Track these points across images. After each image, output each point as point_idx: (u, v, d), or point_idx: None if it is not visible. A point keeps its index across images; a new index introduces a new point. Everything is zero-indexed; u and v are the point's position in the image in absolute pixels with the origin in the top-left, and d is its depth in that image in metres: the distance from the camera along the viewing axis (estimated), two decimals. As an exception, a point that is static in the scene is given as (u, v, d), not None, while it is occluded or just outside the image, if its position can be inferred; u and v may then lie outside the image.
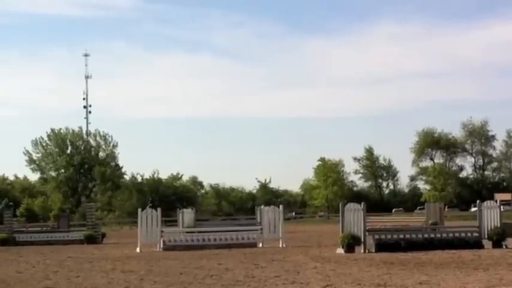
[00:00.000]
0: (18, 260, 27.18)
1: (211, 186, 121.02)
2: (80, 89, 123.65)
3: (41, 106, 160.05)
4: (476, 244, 28.07)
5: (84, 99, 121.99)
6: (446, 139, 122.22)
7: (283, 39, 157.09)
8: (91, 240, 41.40)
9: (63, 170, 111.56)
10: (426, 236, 28.71)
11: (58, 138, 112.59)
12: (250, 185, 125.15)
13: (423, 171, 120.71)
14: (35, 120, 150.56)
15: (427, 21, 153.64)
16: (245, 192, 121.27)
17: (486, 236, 28.59)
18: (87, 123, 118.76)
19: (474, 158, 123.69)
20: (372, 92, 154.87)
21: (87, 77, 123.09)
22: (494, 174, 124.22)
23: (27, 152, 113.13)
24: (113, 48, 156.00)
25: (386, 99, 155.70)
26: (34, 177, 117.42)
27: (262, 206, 38.96)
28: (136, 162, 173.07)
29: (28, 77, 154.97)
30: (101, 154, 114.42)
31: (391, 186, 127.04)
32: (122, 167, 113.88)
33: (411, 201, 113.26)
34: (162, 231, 32.94)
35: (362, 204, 28.69)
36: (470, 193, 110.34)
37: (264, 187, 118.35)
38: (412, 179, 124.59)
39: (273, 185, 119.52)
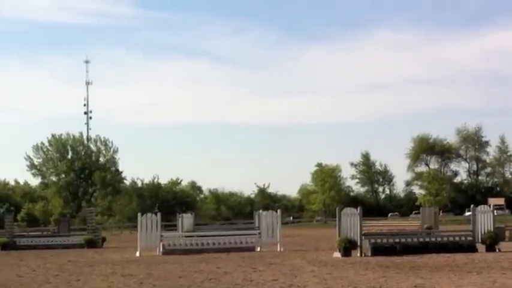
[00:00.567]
0: (19, 264, 27.17)
1: (210, 191, 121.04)
2: (80, 95, 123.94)
3: (42, 112, 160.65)
4: (470, 248, 28.07)
5: (84, 105, 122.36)
6: (441, 145, 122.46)
7: (282, 47, 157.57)
8: (91, 244, 41.38)
9: (63, 175, 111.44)
10: (421, 240, 28.69)
11: (59, 143, 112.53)
12: (248, 190, 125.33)
13: (418, 176, 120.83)
14: (36, 125, 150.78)
15: (423, 30, 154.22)
16: (244, 197, 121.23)
17: (480, 240, 28.59)
18: (88, 128, 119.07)
19: (468, 163, 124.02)
20: (368, 98, 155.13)
21: (87, 83, 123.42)
22: (487, 179, 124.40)
23: (29, 157, 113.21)
24: (113, 55, 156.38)
25: (382, 106, 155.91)
26: (35, 182, 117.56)
27: (260, 211, 38.96)
28: (136, 168, 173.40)
29: (29, 83, 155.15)
30: (102, 159, 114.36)
31: (387, 191, 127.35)
32: (122, 172, 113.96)
33: (407, 205, 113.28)
34: (161, 236, 32.93)
35: (358, 208, 28.70)
36: (465, 198, 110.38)
37: (262, 192, 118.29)
38: (408, 184, 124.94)
39: (271, 190, 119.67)
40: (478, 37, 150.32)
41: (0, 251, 39.36)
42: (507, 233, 39.18)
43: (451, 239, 28.87)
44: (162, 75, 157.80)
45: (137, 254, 31.86)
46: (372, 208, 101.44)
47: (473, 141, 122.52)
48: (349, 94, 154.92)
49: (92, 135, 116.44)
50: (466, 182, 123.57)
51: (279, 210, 36.25)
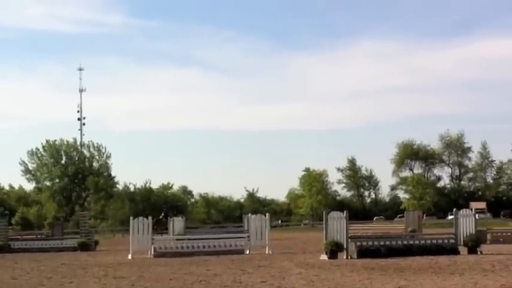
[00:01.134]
0: (14, 267, 27.04)
1: (200, 195, 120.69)
2: (74, 102, 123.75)
3: (36, 118, 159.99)
4: (453, 250, 28.16)
5: (78, 111, 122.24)
6: (424, 151, 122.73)
7: (272, 55, 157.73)
8: (84, 247, 41.18)
9: (57, 180, 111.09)
10: (405, 242, 28.77)
11: (53, 149, 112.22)
12: (238, 194, 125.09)
13: (403, 181, 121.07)
14: (31, 131, 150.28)
15: (405, 39, 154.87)
16: (233, 201, 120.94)
17: (462, 243, 28.70)
18: (81, 134, 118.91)
19: (451, 168, 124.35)
20: (354, 106, 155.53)
21: (81, 91, 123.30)
22: (469, 184, 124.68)
23: (23, 162, 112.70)
24: (106, 63, 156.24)
25: (368, 113, 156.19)
26: (29, 186, 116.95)
27: (249, 215, 38.89)
28: (128, 173, 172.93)
29: (25, 91, 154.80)
30: (95, 164, 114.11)
31: (373, 196, 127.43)
32: (114, 177, 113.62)
33: (391, 209, 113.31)
34: (153, 239, 32.90)
35: (345, 212, 28.75)
36: (447, 202, 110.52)
37: (251, 196, 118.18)
38: (393, 188, 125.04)
39: (260, 194, 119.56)
40: (459, 46, 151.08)
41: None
42: (488, 236, 39.24)
43: (434, 241, 28.96)
44: (153, 83, 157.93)
45: (129, 256, 31.79)
46: (358, 212, 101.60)
47: (456, 147, 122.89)
48: (336, 101, 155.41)
49: (85, 141, 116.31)
50: (448, 186, 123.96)
51: (267, 214, 36.20)
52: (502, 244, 36.70)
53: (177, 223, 45.22)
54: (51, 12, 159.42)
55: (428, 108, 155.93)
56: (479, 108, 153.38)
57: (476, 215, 31.51)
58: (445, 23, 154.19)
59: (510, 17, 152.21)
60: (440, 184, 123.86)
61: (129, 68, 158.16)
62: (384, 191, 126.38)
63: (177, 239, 35.31)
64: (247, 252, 33.05)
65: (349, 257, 27.27)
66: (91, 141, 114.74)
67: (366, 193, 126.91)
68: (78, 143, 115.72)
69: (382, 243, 28.24)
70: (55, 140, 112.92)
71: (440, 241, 28.97)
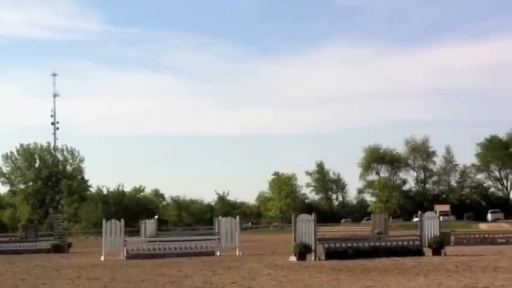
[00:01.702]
0: (-12, 269, 26.73)
1: (172, 198, 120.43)
2: (48, 107, 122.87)
3: (11, 122, 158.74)
4: (418, 252, 28.29)
5: (52, 116, 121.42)
6: (390, 155, 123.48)
7: (242, 60, 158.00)
8: (58, 249, 40.88)
9: (31, 183, 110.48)
10: (372, 244, 28.86)
11: (27, 153, 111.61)
12: (209, 197, 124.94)
13: (370, 184, 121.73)
14: (6, 136, 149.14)
15: (375, 45, 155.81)
16: (204, 204, 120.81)
17: (427, 244, 28.85)
18: (55, 138, 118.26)
19: (416, 172, 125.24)
20: (323, 110, 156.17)
21: (55, 95, 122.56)
22: (434, 187, 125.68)
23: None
24: (80, 68, 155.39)
25: (336, 118, 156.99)
26: (3, 189, 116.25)
27: (220, 217, 38.86)
28: (102, 176, 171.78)
29: (0, 96, 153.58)
30: (68, 168, 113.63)
31: (340, 199, 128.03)
32: (88, 181, 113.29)
33: (359, 212, 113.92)
34: (125, 241, 32.71)
35: (313, 215, 28.78)
36: (413, 204, 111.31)
37: (222, 199, 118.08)
38: (360, 191, 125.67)
39: (230, 197, 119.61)
40: (425, 53, 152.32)
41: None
42: (452, 238, 39.67)
43: (399, 243, 29.08)
44: (127, 88, 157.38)
45: (102, 258, 31.57)
46: (326, 214, 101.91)
47: (421, 151, 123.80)
48: (306, 106, 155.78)
49: (59, 145, 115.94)
50: (414, 189, 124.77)
51: (237, 217, 36.20)
52: (465, 246, 37.15)
53: (149, 225, 45.05)
54: (28, 18, 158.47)
55: (395, 114, 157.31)
56: (443, 113, 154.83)
57: (441, 218, 31.69)
58: (413, 30, 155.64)
59: (474, 26, 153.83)
60: (406, 187, 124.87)
61: (103, 73, 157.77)
62: (351, 194, 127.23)
63: (149, 241, 35.15)
64: (218, 254, 32.98)
65: (317, 259, 27.31)
66: (64, 145, 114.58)
67: (334, 196, 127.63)
68: (52, 147, 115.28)
69: (349, 245, 28.29)
70: (29, 144, 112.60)
71: (405, 243, 29.11)
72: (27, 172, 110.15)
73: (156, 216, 50.30)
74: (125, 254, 31.95)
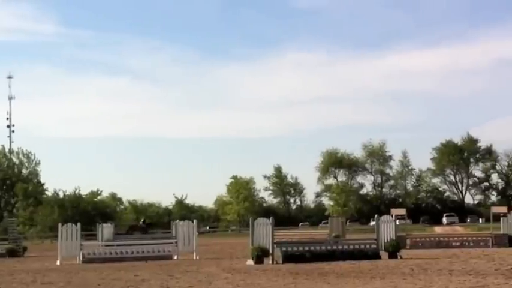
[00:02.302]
0: None
1: (129, 202, 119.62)
2: (3, 109, 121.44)
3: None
4: (374, 255, 28.51)
5: (7, 119, 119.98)
6: (348, 159, 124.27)
7: (198, 64, 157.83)
8: (13, 253, 40.32)
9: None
10: (329, 248, 29.00)
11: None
12: (167, 201, 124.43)
13: (327, 188, 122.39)
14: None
15: (330, 51, 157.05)
16: (162, 207, 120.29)
17: (383, 248, 29.10)
18: (10, 141, 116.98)
19: (373, 176, 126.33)
20: (280, 114, 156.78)
21: (10, 98, 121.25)
22: (391, 191, 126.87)
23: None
24: (35, 71, 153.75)
25: (293, 122, 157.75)
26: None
27: (177, 221, 38.68)
28: (58, 179, 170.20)
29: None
30: (24, 171, 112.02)
31: (298, 202, 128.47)
32: (44, 184, 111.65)
33: (316, 215, 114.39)
34: (81, 245, 32.41)
35: (271, 218, 28.84)
36: (370, 208, 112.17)
37: (180, 203, 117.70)
38: (317, 195, 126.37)
39: (188, 201, 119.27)
40: (380, 58, 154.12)
41: None
42: (408, 241, 40.05)
43: (356, 247, 29.25)
44: (83, 91, 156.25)
45: (58, 262, 31.25)
46: (284, 218, 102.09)
47: (378, 155, 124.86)
48: (263, 110, 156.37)
49: (15, 148, 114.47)
50: (371, 193, 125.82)
51: (195, 220, 36.10)
52: (421, 249, 37.54)
53: (106, 229, 44.60)
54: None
55: (352, 118, 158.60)
56: (399, 118, 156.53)
57: (397, 221, 32.01)
58: (367, 37, 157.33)
59: (429, 33, 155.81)
60: (363, 191, 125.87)
61: (59, 76, 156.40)
62: (309, 198, 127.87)
63: (106, 245, 34.85)
64: (175, 257, 32.87)
65: (274, 262, 27.36)
66: (20, 148, 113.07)
67: (292, 200, 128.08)
68: (7, 150, 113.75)
69: (306, 248, 28.41)
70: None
71: (362, 246, 29.30)
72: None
73: (143, 220, 50.04)
74: (81, 258, 31.68)
